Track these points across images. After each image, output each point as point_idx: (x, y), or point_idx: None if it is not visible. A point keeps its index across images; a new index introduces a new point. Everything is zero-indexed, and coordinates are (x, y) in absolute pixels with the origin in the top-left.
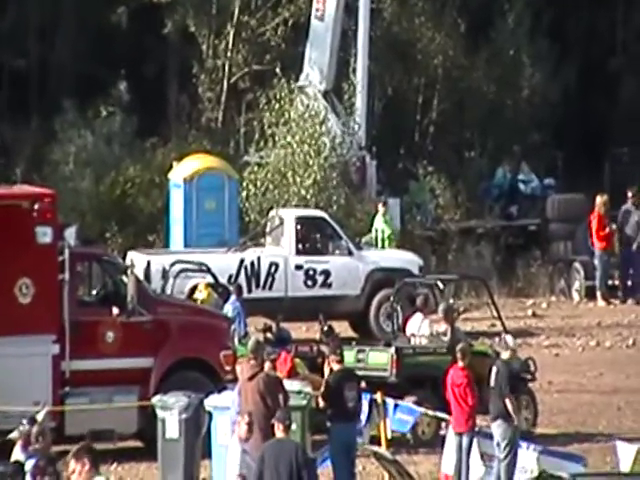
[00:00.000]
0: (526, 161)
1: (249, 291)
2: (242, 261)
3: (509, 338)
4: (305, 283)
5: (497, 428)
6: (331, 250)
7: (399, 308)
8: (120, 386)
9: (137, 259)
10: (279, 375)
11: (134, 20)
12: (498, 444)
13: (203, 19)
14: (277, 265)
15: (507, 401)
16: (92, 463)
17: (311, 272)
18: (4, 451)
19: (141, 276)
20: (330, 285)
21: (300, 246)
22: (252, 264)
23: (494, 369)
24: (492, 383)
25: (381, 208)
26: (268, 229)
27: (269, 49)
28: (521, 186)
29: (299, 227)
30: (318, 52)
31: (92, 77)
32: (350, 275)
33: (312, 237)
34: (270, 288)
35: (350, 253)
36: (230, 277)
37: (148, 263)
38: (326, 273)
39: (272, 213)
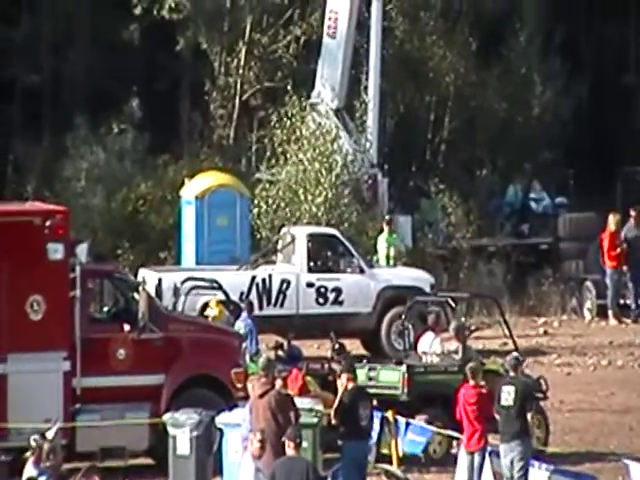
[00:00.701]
0: (537, 179)
1: (260, 308)
2: (254, 278)
3: (512, 356)
4: (316, 301)
5: (516, 447)
6: (343, 268)
7: (411, 326)
8: (131, 403)
9: (148, 276)
10: (290, 393)
11: (146, 37)
12: (512, 463)
13: (215, 36)
14: (289, 282)
15: (529, 419)
16: None
17: (322, 290)
18: (16, 467)
19: (152, 293)
20: (341, 303)
21: (312, 263)
22: (264, 281)
23: (510, 388)
24: (509, 402)
25: (385, 227)
26: (279, 246)
27: (281, 66)
28: (533, 204)
29: (310, 244)
30: (330, 70)
31: (104, 93)
32: (361, 293)
33: (323, 255)
34: (281, 305)
35: (362, 271)
36: (242, 294)
37: (159, 280)
38: (337, 291)
39: (284, 230)
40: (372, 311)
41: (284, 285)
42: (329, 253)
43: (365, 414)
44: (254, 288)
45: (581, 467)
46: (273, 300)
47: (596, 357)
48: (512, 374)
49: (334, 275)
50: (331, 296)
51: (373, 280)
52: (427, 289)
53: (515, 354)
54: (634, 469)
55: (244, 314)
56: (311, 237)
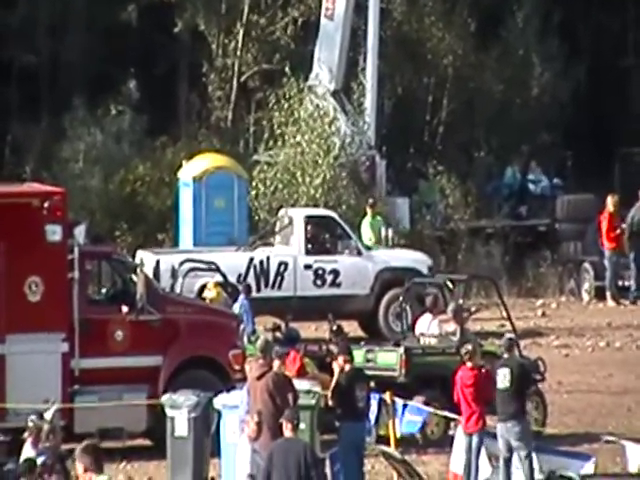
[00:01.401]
0: (535, 161)
1: (258, 290)
2: (251, 260)
3: (506, 337)
4: (314, 282)
5: (512, 428)
6: (340, 250)
7: (408, 308)
8: (129, 384)
9: (146, 258)
10: (288, 374)
11: (144, 18)
12: (508, 444)
13: (213, 18)
14: (286, 264)
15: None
16: (95, 463)
17: (320, 272)
18: (14, 448)
19: (150, 275)
20: (339, 285)
21: (309, 245)
22: (261, 263)
23: (505, 370)
24: (505, 384)
25: (369, 210)
26: (277, 228)
27: (279, 48)
28: (531, 186)
29: (308, 226)
30: (328, 51)
31: (102, 75)
32: (359, 275)
33: (321, 236)
34: (279, 287)
35: (359, 253)
36: (239, 276)
37: (157, 262)
38: (335, 273)
39: (281, 212)
40: (370, 293)
41: (282, 267)
42: (327, 235)
43: (362, 396)
44: (252, 270)
45: (579, 448)
46: (271, 282)
47: (594, 338)
48: (506, 356)
49: (332, 257)
50: (329, 278)
51: (370, 262)
52: (425, 271)
53: (509, 335)
54: (631, 450)
55: (242, 296)
56: (309, 219)
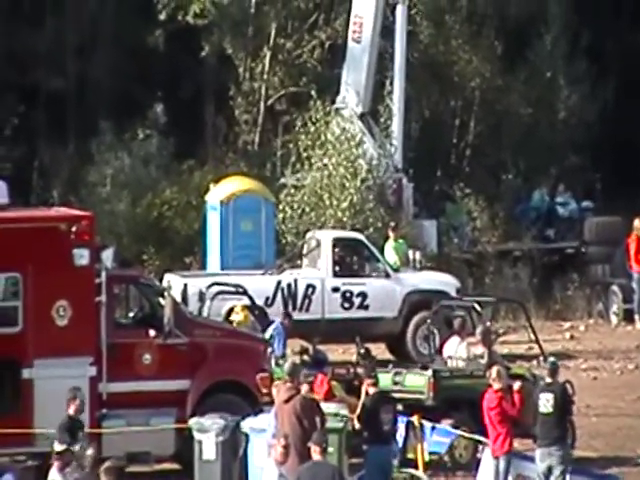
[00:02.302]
0: (563, 183)
1: None
2: (279, 283)
3: (550, 361)
4: (342, 305)
5: (555, 452)
6: (368, 272)
7: (436, 331)
8: (157, 408)
9: (174, 281)
10: (316, 397)
11: (171, 42)
12: (550, 469)
13: (240, 42)
14: (314, 287)
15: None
16: None
17: (348, 294)
18: (43, 472)
19: (178, 298)
20: (367, 307)
21: (337, 268)
22: (289, 286)
23: (549, 395)
24: (548, 409)
25: (391, 233)
26: (305, 251)
27: (306, 71)
28: (559, 209)
29: (336, 249)
30: (355, 74)
31: (129, 99)
32: (387, 297)
33: (349, 259)
34: (307, 310)
35: (387, 275)
36: (267, 299)
37: (185, 286)
38: (363, 295)
39: (309, 235)
40: (398, 315)
41: (309, 290)
42: (354, 257)
43: (387, 419)
44: (279, 293)
45: (608, 471)
46: (298, 305)
47: (623, 361)
48: (549, 380)
49: (359, 279)
50: (357, 301)
51: (399, 284)
52: (453, 293)
53: (552, 359)
54: None
55: (278, 319)
56: (336, 241)
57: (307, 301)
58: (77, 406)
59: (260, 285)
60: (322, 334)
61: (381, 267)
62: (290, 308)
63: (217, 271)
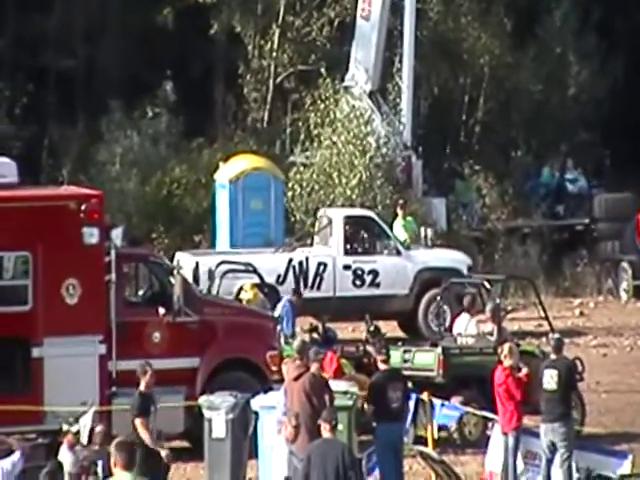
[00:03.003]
0: (573, 160)
1: None
2: (290, 261)
3: (555, 338)
4: (353, 283)
5: (559, 429)
6: (379, 250)
7: (447, 308)
8: (167, 386)
9: (185, 260)
10: (325, 376)
11: (180, 21)
12: (553, 444)
13: (249, 19)
14: (325, 265)
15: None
16: (127, 460)
17: (359, 272)
18: (53, 450)
19: (190, 277)
20: (378, 285)
21: (348, 246)
22: (300, 264)
23: (553, 371)
24: (552, 385)
25: (400, 211)
26: (316, 229)
27: (314, 49)
28: (568, 185)
29: (347, 227)
30: (364, 52)
31: (138, 78)
32: (398, 275)
33: (360, 237)
34: (318, 288)
35: (398, 253)
36: (278, 277)
37: (196, 264)
38: (374, 273)
39: (320, 213)
40: (409, 293)
41: (321, 268)
42: (365, 235)
43: (396, 396)
44: (291, 271)
45: (617, 447)
46: (310, 283)
47: (632, 338)
48: (554, 356)
49: (371, 257)
50: (368, 278)
51: (410, 262)
52: (464, 270)
53: (557, 335)
54: None
55: (286, 297)
56: (347, 219)
57: (318, 279)
58: (147, 381)
59: (272, 263)
60: (333, 312)
61: (392, 244)
62: (301, 286)
63: (228, 249)
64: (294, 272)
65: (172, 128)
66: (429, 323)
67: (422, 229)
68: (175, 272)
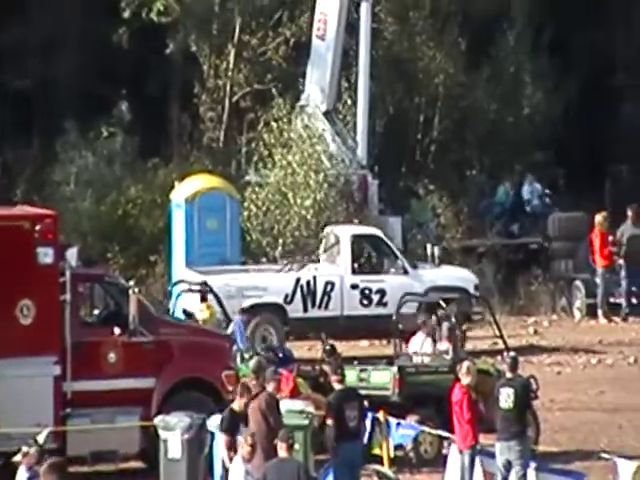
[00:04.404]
0: (529, 178)
1: (305, 311)
2: (298, 281)
3: (510, 356)
4: (361, 302)
5: (514, 447)
6: (386, 269)
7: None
8: (122, 407)
9: (193, 279)
10: (281, 395)
11: (136, 40)
12: (509, 463)
13: (204, 39)
14: (333, 284)
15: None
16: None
17: (367, 291)
18: (6, 472)
19: (198, 296)
20: (386, 304)
21: (356, 265)
22: (308, 284)
23: (509, 390)
24: (509, 404)
25: None
26: (323, 247)
27: (270, 69)
28: (524, 204)
29: (355, 245)
30: (319, 72)
31: (94, 97)
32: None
33: (368, 255)
34: (326, 307)
35: (405, 272)
36: (286, 297)
37: (204, 283)
38: (382, 292)
39: (327, 230)
40: (416, 312)
41: (328, 287)
42: (373, 254)
43: (353, 415)
44: (298, 290)
45: (571, 465)
46: (318, 302)
47: (586, 356)
48: (509, 375)
49: (378, 276)
50: (375, 298)
51: (417, 281)
52: (471, 289)
53: (513, 354)
54: (623, 467)
55: (237, 316)
56: (355, 238)
57: (326, 298)
58: (243, 402)
59: (279, 282)
60: (341, 331)
61: (399, 263)
62: (309, 305)
63: (237, 267)
64: (302, 291)
65: (127, 148)
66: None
67: (429, 247)
68: (130, 292)
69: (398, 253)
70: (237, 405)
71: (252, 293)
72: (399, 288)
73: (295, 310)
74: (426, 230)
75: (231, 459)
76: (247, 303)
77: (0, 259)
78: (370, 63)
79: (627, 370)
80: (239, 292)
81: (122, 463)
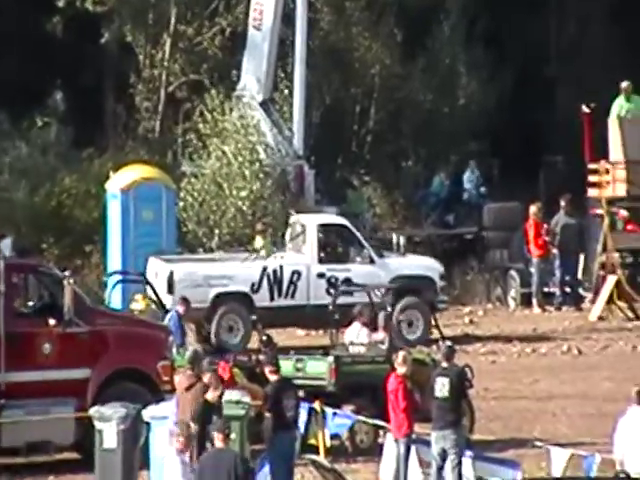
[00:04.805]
0: (463, 168)
1: (272, 300)
2: (265, 269)
3: (446, 345)
4: (327, 291)
5: (449, 436)
6: (353, 258)
7: (420, 315)
8: (57, 397)
9: (159, 267)
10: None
11: (71, 29)
12: (444, 451)
13: (140, 29)
14: (299, 273)
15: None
16: None
17: (333, 280)
18: None
19: (164, 285)
20: (352, 293)
21: (322, 254)
22: (275, 272)
23: (444, 379)
24: (444, 393)
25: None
26: (289, 236)
27: (206, 59)
28: (461, 194)
29: (321, 234)
30: (255, 62)
31: (28, 87)
32: (372, 283)
33: (334, 245)
34: (292, 296)
35: (372, 261)
36: (253, 285)
37: (171, 272)
38: (348, 281)
39: (293, 219)
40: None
41: (295, 276)
42: (339, 243)
43: (290, 405)
44: (265, 279)
45: (505, 454)
46: (284, 291)
47: (520, 345)
48: (445, 364)
49: (344, 265)
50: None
51: (383, 270)
52: (437, 278)
53: (448, 343)
54: (556, 455)
55: (173, 308)
56: (321, 227)
57: (292, 287)
58: (217, 394)
59: (246, 271)
60: (308, 320)
61: (366, 253)
62: (276, 294)
63: (201, 256)
64: (268, 280)
65: (62, 138)
66: (402, 330)
67: (394, 236)
68: (65, 282)
69: (364, 242)
70: (210, 396)
71: (218, 282)
72: (365, 277)
73: (262, 299)
74: (362, 220)
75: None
76: (213, 292)
77: None
78: (306, 53)
79: (560, 359)
80: (205, 281)
81: (57, 454)
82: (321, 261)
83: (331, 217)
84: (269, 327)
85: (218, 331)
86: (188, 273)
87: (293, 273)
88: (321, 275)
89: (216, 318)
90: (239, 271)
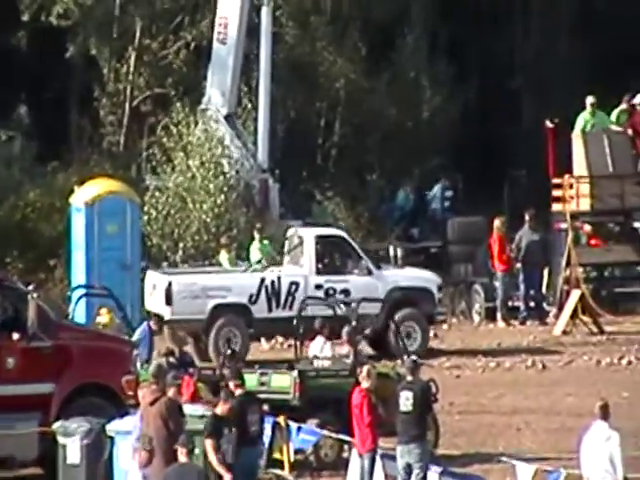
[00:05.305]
0: (428, 182)
1: (270, 311)
2: (263, 281)
3: (410, 359)
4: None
5: (414, 450)
6: (350, 269)
7: (417, 327)
8: (20, 412)
9: (158, 279)
10: (181, 399)
11: (35, 43)
12: (409, 466)
13: (105, 42)
14: (297, 284)
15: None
16: None
17: (331, 291)
18: None
19: (162, 296)
20: (349, 304)
21: (320, 265)
22: (272, 284)
23: (408, 393)
24: (408, 407)
25: (256, 235)
26: (287, 248)
27: (171, 72)
28: (426, 208)
29: (318, 246)
30: (220, 75)
31: None
32: (369, 294)
33: (332, 256)
34: (290, 308)
35: (369, 272)
36: (251, 297)
37: (169, 283)
38: (346, 292)
39: (291, 232)
40: (380, 312)
41: (293, 287)
42: (337, 255)
43: (254, 420)
44: (263, 290)
45: (470, 468)
46: (282, 302)
47: (485, 359)
48: (409, 378)
49: (342, 277)
50: (339, 298)
51: (381, 281)
52: (434, 290)
53: (413, 357)
54: (521, 470)
55: (145, 323)
56: (319, 239)
57: (291, 298)
58: (227, 407)
59: (244, 282)
60: (305, 331)
61: (363, 264)
62: (274, 305)
63: (203, 269)
64: (266, 291)
65: (26, 152)
66: (400, 342)
67: (391, 248)
68: (29, 296)
69: (362, 254)
70: (220, 410)
71: (216, 293)
72: (363, 289)
73: (260, 310)
74: None
75: (222, 463)
76: (211, 303)
77: None
78: (271, 67)
79: (525, 373)
80: (204, 292)
81: (20, 469)
82: (319, 273)
83: (329, 229)
84: (267, 338)
85: (216, 342)
86: (186, 284)
87: (291, 284)
88: (319, 286)
89: (214, 329)
90: (237, 282)
